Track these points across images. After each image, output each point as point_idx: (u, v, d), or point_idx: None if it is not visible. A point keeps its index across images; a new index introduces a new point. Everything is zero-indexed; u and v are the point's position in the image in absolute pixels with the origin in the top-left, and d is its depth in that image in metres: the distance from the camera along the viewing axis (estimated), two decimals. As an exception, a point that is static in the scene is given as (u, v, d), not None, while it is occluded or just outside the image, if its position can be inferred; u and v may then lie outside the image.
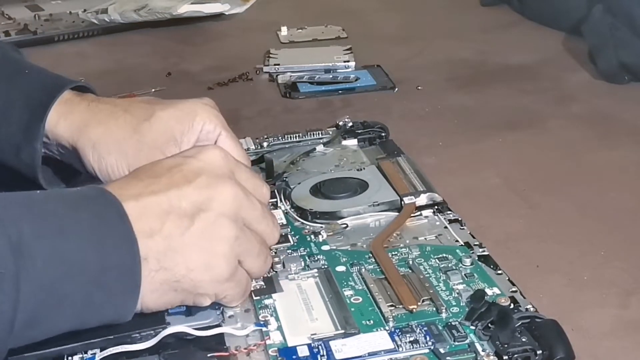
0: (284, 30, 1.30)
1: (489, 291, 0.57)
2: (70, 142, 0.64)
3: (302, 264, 0.62)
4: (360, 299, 0.57)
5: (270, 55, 1.17)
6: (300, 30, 1.31)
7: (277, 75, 1.10)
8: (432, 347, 0.52)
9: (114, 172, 0.63)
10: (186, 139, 0.63)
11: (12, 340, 0.47)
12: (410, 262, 0.61)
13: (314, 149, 0.81)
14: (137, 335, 0.53)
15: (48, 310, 0.47)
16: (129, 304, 0.50)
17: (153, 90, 1.07)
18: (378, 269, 0.61)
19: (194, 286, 0.52)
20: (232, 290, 0.54)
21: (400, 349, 0.52)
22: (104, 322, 0.51)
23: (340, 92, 1.04)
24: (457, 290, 0.58)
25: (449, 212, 0.68)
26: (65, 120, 0.64)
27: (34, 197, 0.50)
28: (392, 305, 0.56)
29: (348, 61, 1.12)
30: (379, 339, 0.53)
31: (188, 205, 0.52)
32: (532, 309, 0.55)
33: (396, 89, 1.04)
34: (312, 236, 0.66)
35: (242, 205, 0.54)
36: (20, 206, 0.48)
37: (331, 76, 1.08)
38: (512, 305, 0.55)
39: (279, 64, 1.12)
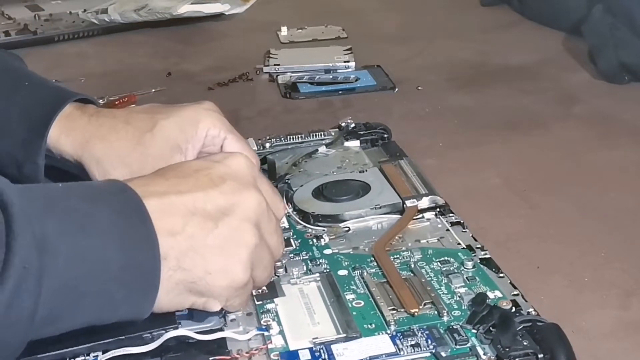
0: (284, 30, 1.30)
1: (490, 294, 0.57)
2: (74, 158, 0.64)
3: (304, 268, 0.62)
4: (362, 303, 0.57)
5: (270, 56, 1.17)
6: (300, 30, 1.31)
7: (277, 76, 1.10)
8: (433, 351, 0.52)
9: None
10: (191, 147, 0.63)
11: (31, 334, 0.47)
12: (412, 266, 0.61)
13: (316, 150, 0.81)
14: (149, 335, 0.53)
15: (68, 307, 0.48)
16: (147, 302, 0.51)
17: (153, 90, 1.07)
18: (380, 273, 0.61)
19: (209, 290, 0.52)
20: (240, 298, 0.55)
21: (402, 353, 0.52)
22: (121, 319, 0.51)
23: (340, 92, 1.04)
24: (459, 294, 0.58)
25: (451, 214, 0.68)
26: (67, 136, 0.64)
27: (56, 191, 0.50)
28: (393, 309, 0.56)
29: (348, 61, 1.12)
30: (381, 343, 0.53)
31: (213, 209, 0.52)
32: (533, 313, 0.55)
33: (396, 89, 1.05)
34: (314, 240, 0.66)
35: (263, 215, 0.55)
36: (43, 201, 0.48)
37: (331, 76, 1.08)
38: (513, 309, 0.55)
39: (279, 64, 1.13)
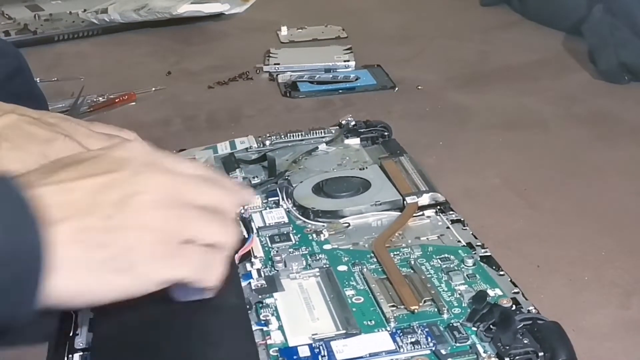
0: (284, 30, 1.30)
1: (490, 292, 0.57)
2: None
3: (304, 263, 0.62)
4: (362, 299, 0.57)
5: (271, 55, 1.17)
6: (300, 30, 1.31)
7: (277, 75, 1.10)
8: (433, 348, 0.52)
9: None
10: None
11: None
12: (412, 262, 0.61)
13: (317, 147, 0.81)
14: None
15: None
16: (34, 294, 0.46)
17: (153, 89, 1.07)
18: (380, 269, 0.61)
19: (136, 264, 0.49)
20: (185, 271, 0.51)
21: (402, 350, 0.52)
22: (3, 316, 0.47)
23: (340, 91, 1.04)
24: (459, 291, 0.57)
25: (451, 212, 0.68)
26: None
27: None
28: (393, 306, 0.56)
29: (348, 61, 1.12)
30: (380, 340, 0.53)
31: (117, 189, 0.50)
32: (534, 311, 0.54)
33: (396, 89, 1.05)
34: (314, 235, 0.66)
35: (171, 188, 0.52)
36: None
37: (331, 76, 1.08)
38: (514, 307, 0.55)
39: (279, 64, 1.12)
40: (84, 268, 0.48)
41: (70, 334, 0.55)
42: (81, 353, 0.53)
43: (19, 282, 0.46)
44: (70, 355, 0.53)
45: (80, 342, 0.54)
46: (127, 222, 0.49)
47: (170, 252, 0.50)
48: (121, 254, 0.49)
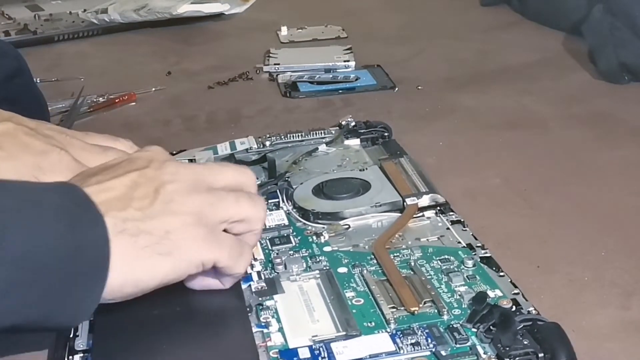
0: (284, 30, 1.30)
1: (491, 293, 0.57)
2: None
3: (304, 265, 0.62)
4: (362, 301, 0.57)
5: (271, 55, 1.17)
6: (300, 30, 1.31)
7: (277, 75, 1.10)
8: (433, 350, 0.52)
9: None
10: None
11: None
12: (412, 264, 0.61)
13: (317, 148, 0.81)
14: None
15: (17, 286, 0.45)
16: (98, 285, 0.49)
17: (153, 89, 1.07)
18: (380, 271, 0.61)
19: (177, 246, 0.52)
20: (221, 253, 0.54)
21: (402, 351, 0.52)
22: (68, 314, 0.49)
23: (340, 91, 1.04)
24: (459, 292, 0.57)
25: (451, 213, 0.68)
26: None
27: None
28: (393, 307, 0.56)
29: (348, 61, 1.12)
30: (381, 341, 0.53)
31: (149, 181, 0.53)
32: (534, 312, 0.54)
33: (396, 89, 1.05)
34: (314, 237, 0.66)
35: (193, 175, 0.55)
36: None
37: (331, 76, 1.08)
38: (514, 308, 0.55)
39: (279, 64, 1.12)
40: (131, 255, 0.50)
41: (71, 336, 0.55)
42: (82, 354, 0.53)
43: (86, 277, 0.48)
44: (70, 357, 0.53)
45: (80, 343, 0.54)
46: (163, 210, 0.52)
47: (207, 234, 0.53)
48: (163, 238, 0.51)
